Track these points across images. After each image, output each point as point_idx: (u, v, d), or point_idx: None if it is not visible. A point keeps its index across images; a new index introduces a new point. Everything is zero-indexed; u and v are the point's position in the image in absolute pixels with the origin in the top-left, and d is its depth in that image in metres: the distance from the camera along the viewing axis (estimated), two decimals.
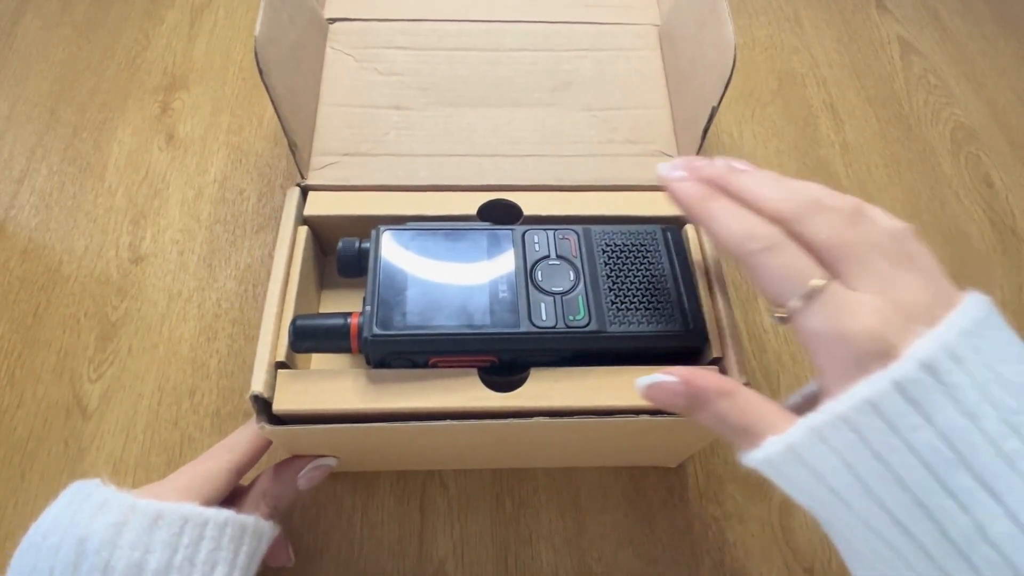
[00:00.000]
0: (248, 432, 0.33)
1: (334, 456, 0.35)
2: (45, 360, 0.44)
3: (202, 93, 0.56)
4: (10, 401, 0.42)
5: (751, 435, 0.23)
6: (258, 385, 0.29)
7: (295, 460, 0.34)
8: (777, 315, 0.23)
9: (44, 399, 0.42)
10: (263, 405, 0.30)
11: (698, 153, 0.39)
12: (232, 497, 0.33)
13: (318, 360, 0.37)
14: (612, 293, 0.31)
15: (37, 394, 0.42)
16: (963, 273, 0.51)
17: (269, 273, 0.47)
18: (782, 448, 0.22)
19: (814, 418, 0.21)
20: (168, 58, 0.58)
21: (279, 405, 0.30)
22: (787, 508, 0.41)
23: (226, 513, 0.29)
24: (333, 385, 0.30)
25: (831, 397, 0.21)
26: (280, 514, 0.34)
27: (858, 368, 0.20)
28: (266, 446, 0.34)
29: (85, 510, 0.27)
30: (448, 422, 0.30)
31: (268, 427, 0.29)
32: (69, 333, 0.45)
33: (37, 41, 0.58)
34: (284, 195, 0.50)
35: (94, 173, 0.51)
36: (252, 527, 0.30)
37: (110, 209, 0.50)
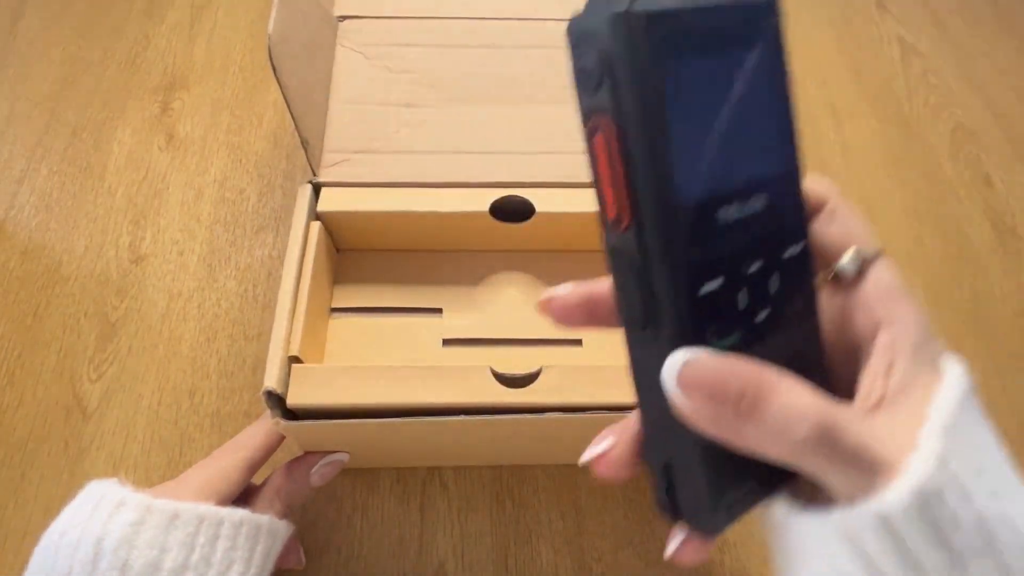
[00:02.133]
0: (260, 428, 0.33)
1: (345, 452, 0.35)
2: (45, 360, 0.44)
3: (202, 93, 0.56)
4: (10, 401, 0.42)
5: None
6: (271, 381, 0.30)
7: (307, 457, 0.34)
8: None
9: (44, 399, 0.42)
10: (277, 401, 0.30)
11: None
12: (244, 496, 0.33)
13: (330, 356, 0.37)
14: None
15: (37, 394, 0.42)
16: (963, 273, 0.52)
17: (269, 273, 0.47)
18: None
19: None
20: (168, 58, 0.58)
21: (293, 399, 0.30)
22: None
23: (241, 512, 0.30)
24: (347, 379, 0.31)
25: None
26: (293, 512, 0.34)
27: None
28: (278, 442, 0.34)
29: (103, 510, 0.27)
30: (464, 417, 0.30)
31: (283, 423, 0.30)
32: (69, 333, 0.45)
33: (37, 41, 0.58)
34: (284, 195, 0.51)
35: (94, 173, 0.51)
36: (267, 526, 0.31)
37: (110, 209, 0.50)
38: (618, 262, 0.18)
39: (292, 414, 0.31)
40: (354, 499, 0.40)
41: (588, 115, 0.17)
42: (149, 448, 0.41)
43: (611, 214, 0.17)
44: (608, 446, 0.20)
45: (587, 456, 0.20)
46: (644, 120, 0.16)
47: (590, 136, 0.17)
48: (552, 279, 0.41)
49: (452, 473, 0.41)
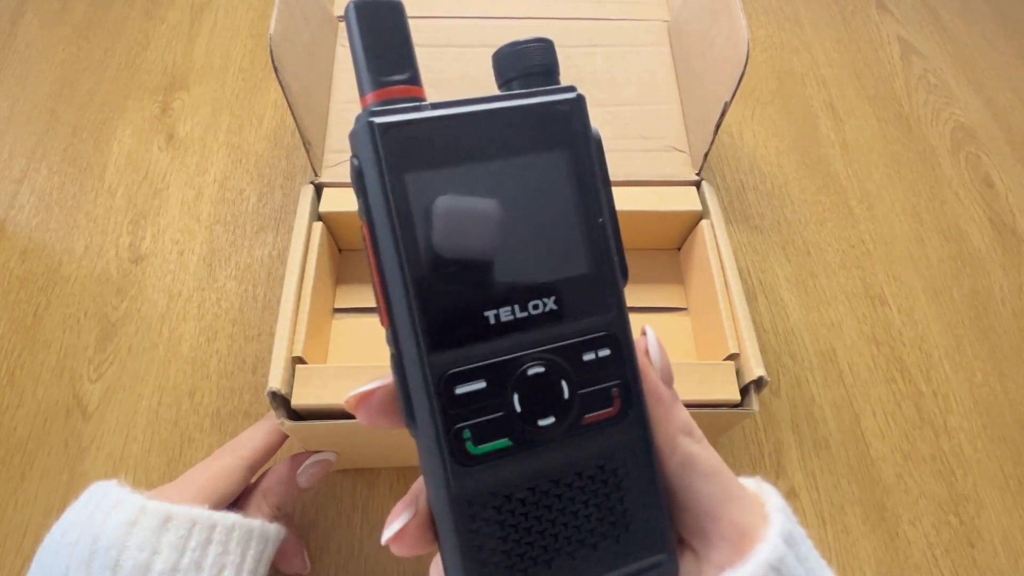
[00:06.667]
0: (260, 429, 0.33)
1: (334, 451, 0.35)
2: (45, 360, 0.43)
3: (202, 93, 0.56)
4: (10, 401, 0.42)
5: None
6: (275, 382, 0.30)
7: (294, 458, 0.34)
8: None
9: (44, 399, 0.42)
10: (281, 401, 0.30)
11: (708, 151, 0.39)
12: (239, 498, 0.33)
13: (334, 356, 0.37)
14: None
15: (37, 394, 0.42)
16: (963, 273, 0.52)
17: (269, 273, 0.47)
18: None
19: None
20: (168, 58, 0.58)
21: (298, 400, 0.30)
22: None
23: (234, 517, 0.30)
24: (351, 379, 0.31)
25: None
26: (285, 515, 0.34)
27: None
28: (279, 443, 0.34)
29: (101, 509, 0.28)
30: None
31: (288, 423, 0.30)
32: (69, 333, 0.44)
33: (37, 41, 0.58)
34: (284, 195, 0.51)
35: (94, 173, 0.51)
36: (258, 530, 0.30)
37: (110, 209, 0.50)
38: (391, 358, 0.17)
39: (296, 414, 0.31)
40: (354, 499, 0.40)
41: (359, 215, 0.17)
42: (149, 448, 0.41)
43: (377, 306, 0.17)
44: (404, 522, 0.18)
45: (386, 536, 0.18)
46: (383, 228, 0.16)
47: (362, 234, 0.17)
48: None
49: None
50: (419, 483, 0.19)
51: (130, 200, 0.50)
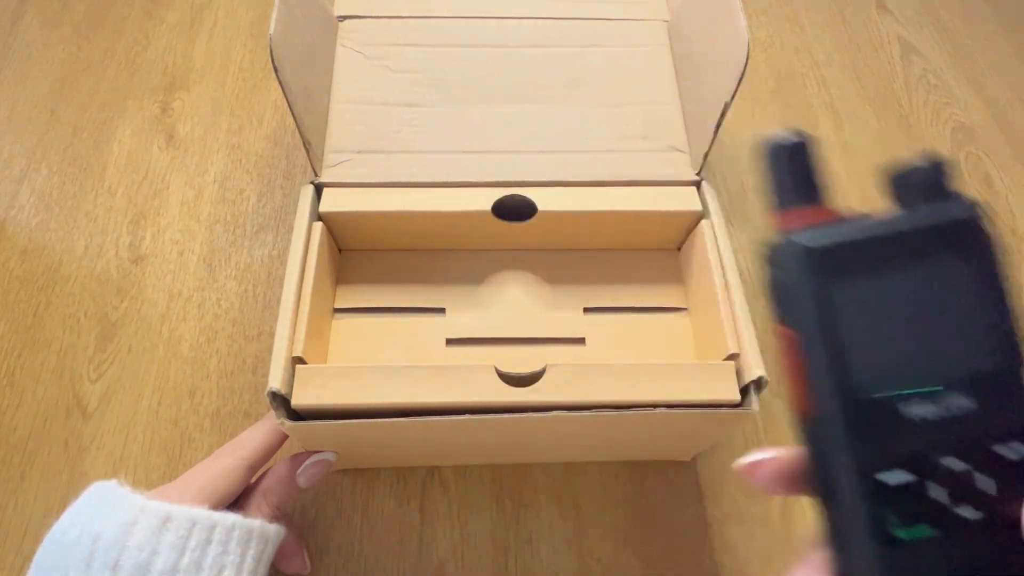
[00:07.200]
0: (260, 428, 0.33)
1: (334, 451, 0.35)
2: (45, 360, 0.43)
3: (202, 93, 0.56)
4: (10, 401, 0.42)
5: None
6: (275, 382, 0.30)
7: (294, 458, 0.34)
8: None
9: (44, 399, 0.42)
10: (281, 401, 0.30)
11: (708, 151, 0.39)
12: (239, 498, 0.33)
13: (334, 355, 0.37)
14: None
15: (37, 394, 0.42)
16: None
17: (269, 273, 0.47)
18: None
19: None
20: (168, 58, 0.58)
21: (298, 400, 0.30)
22: (788, 509, 0.41)
23: (233, 517, 0.30)
24: (351, 380, 0.31)
25: None
26: (285, 515, 0.34)
27: None
28: (279, 443, 0.34)
29: (101, 509, 0.28)
30: (469, 416, 0.30)
31: (288, 423, 0.30)
32: (69, 333, 0.45)
33: (37, 41, 0.58)
34: (284, 195, 0.51)
35: (94, 173, 0.51)
36: (258, 530, 0.30)
37: (110, 209, 0.50)
38: (804, 444, 0.20)
39: (296, 414, 0.31)
40: (354, 499, 0.40)
41: (774, 318, 0.20)
42: (149, 448, 0.41)
43: (794, 404, 0.20)
44: (770, 456, 0.20)
45: (745, 461, 0.21)
46: (811, 334, 0.19)
47: (778, 334, 0.20)
48: (555, 278, 0.41)
49: (452, 473, 0.41)
50: (813, 555, 0.20)
51: (130, 200, 0.50)
